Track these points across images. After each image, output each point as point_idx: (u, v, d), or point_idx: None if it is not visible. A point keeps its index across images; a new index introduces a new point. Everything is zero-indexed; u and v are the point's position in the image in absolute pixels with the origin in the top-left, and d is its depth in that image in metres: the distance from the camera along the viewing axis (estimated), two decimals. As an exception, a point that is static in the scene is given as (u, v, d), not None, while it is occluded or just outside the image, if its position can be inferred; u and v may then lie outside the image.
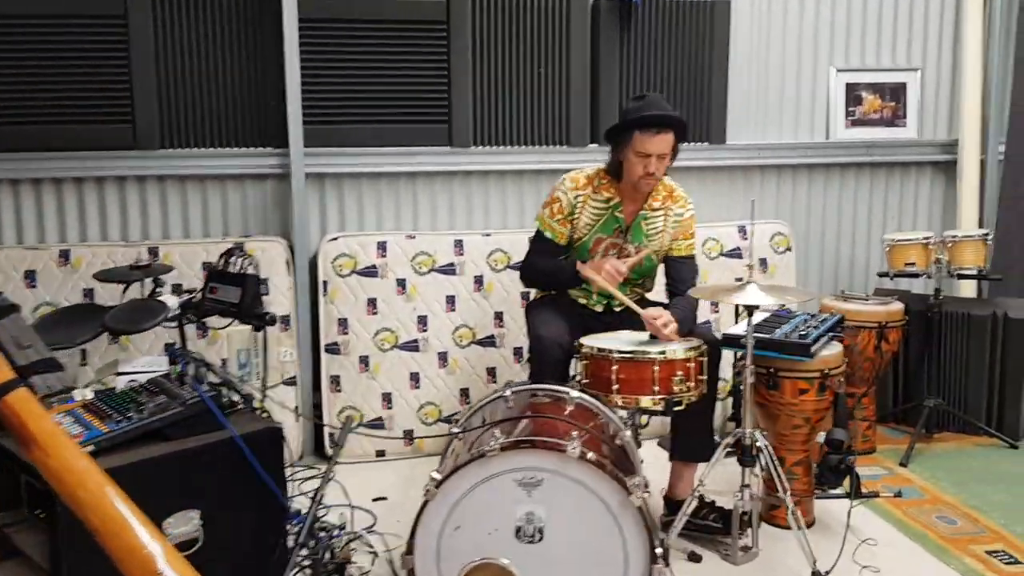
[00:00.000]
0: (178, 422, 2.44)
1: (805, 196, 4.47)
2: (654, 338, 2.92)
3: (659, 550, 2.32)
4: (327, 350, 3.83)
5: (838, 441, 3.06)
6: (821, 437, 3.12)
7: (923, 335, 4.03)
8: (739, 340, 2.91)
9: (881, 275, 4.03)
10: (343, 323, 3.82)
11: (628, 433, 2.69)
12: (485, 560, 2.33)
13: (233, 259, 3.01)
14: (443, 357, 3.90)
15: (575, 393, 2.68)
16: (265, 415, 2.72)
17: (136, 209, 3.84)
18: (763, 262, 4.19)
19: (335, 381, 3.83)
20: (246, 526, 2.52)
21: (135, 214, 3.84)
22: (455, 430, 2.69)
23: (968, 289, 4.44)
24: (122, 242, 3.78)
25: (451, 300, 3.91)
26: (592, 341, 2.90)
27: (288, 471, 3.64)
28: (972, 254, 3.89)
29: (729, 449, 2.92)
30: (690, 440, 3.09)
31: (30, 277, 3.60)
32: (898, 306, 3.86)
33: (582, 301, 3.26)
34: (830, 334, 3.18)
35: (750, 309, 2.84)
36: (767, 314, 3.39)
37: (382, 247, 3.86)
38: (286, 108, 3.71)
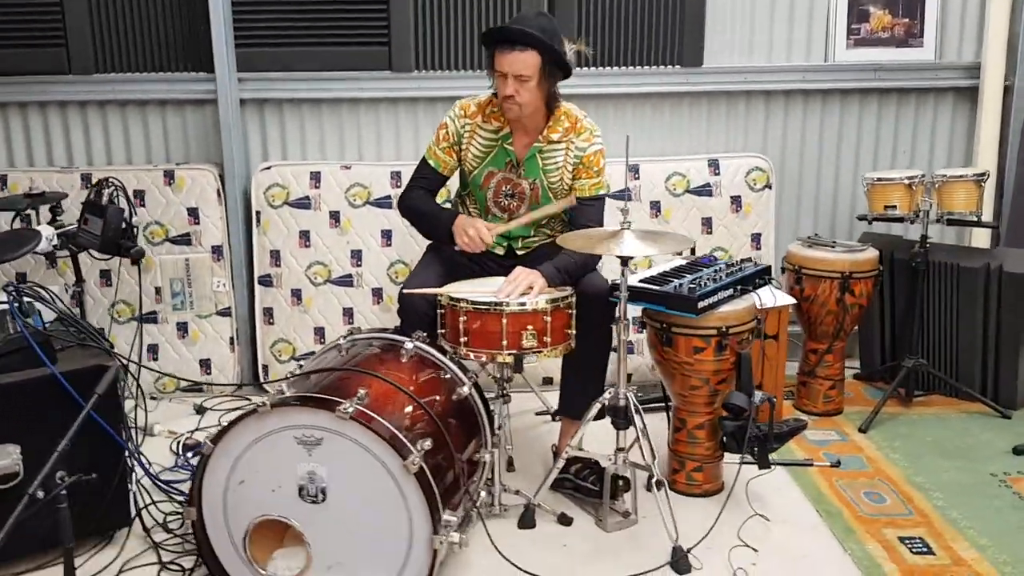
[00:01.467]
0: (-5, 357, 2.45)
1: (799, 126, 3.97)
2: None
3: (450, 516, 2.15)
4: (260, 282, 3.76)
5: (736, 407, 2.76)
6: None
7: (909, 287, 3.56)
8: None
9: (860, 219, 3.56)
10: (275, 255, 3.74)
11: (467, 389, 2.49)
12: (267, 517, 2.23)
13: (104, 190, 2.97)
14: (378, 293, 3.76)
15: (410, 344, 2.49)
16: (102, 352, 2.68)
17: (80, 134, 3.84)
18: (736, 200, 3.79)
19: (268, 313, 3.77)
20: (78, 464, 2.51)
21: (79, 140, 3.85)
22: (289, 375, 2.57)
23: (983, 238, 3.87)
24: (60, 167, 3.80)
25: (387, 235, 3.74)
26: (454, 288, 2.70)
27: (214, 402, 3.71)
28: (964, 197, 3.36)
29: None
30: (574, 395, 2.86)
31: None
32: (870, 255, 3.42)
33: (481, 243, 3.01)
34: (739, 287, 2.83)
35: (624, 260, 2.55)
36: (684, 261, 3.07)
37: (315, 178, 3.72)
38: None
